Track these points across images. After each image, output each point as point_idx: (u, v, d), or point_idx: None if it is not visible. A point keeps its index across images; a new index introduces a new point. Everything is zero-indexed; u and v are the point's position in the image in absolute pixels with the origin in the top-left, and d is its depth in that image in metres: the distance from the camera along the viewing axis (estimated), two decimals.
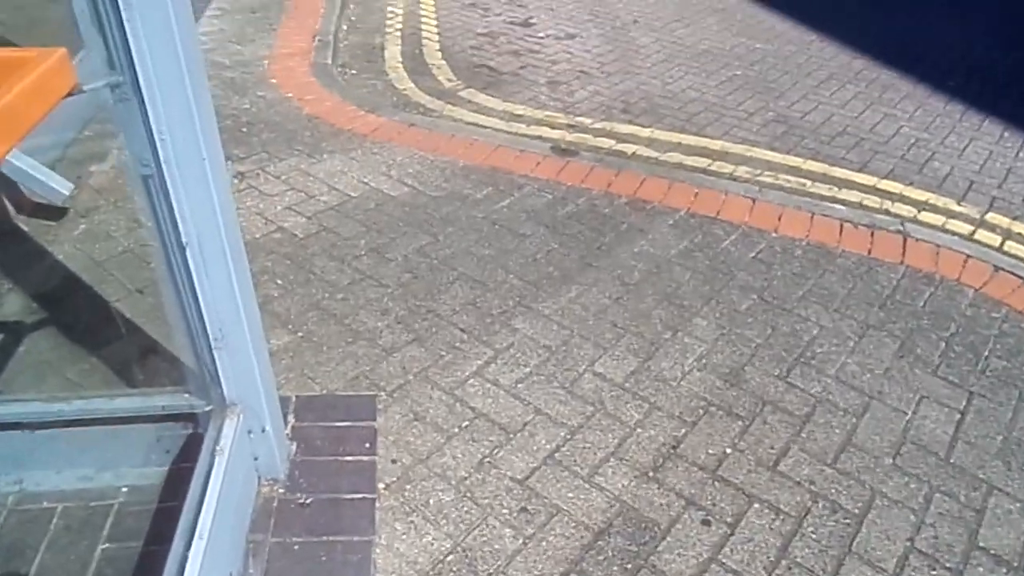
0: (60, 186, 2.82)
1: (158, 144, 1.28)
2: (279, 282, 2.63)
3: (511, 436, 2.09)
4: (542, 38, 5.16)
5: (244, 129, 3.63)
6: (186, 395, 1.73)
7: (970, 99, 4.72)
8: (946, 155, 4.05)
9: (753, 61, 5.02)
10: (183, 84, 1.24)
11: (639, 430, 2.14)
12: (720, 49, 5.18)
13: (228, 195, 1.44)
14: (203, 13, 4.99)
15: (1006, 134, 4.35)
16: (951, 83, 4.93)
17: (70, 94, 1.25)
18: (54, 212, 2.86)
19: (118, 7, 1.15)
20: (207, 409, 1.70)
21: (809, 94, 4.62)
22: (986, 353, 2.53)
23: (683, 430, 2.15)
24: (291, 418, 2.07)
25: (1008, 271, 2.96)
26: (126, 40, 1.18)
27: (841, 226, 3.14)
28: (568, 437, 2.10)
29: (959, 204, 3.61)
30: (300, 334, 2.40)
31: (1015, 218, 3.55)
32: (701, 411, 2.22)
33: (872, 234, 3.10)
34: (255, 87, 4.07)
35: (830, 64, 5.08)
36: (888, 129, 4.27)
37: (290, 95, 3.99)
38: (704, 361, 2.40)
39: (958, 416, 2.27)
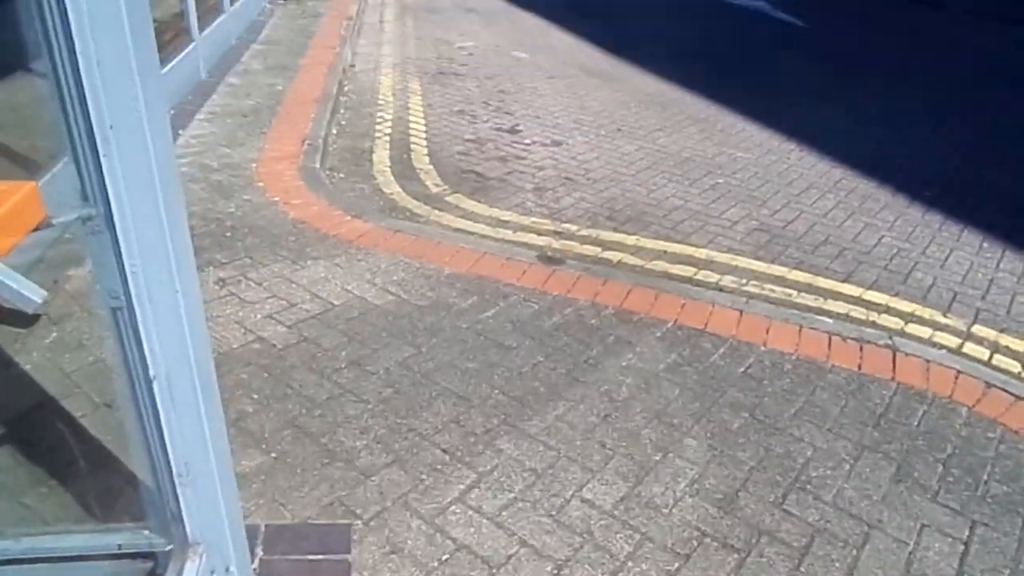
0: (32, 293, 2.75)
1: (129, 277, 1.23)
2: (254, 397, 2.53)
3: (494, 571, 1.96)
4: (528, 145, 5.27)
5: (228, 233, 3.61)
6: (145, 532, 1.61)
7: (948, 209, 4.82)
8: (928, 265, 4.09)
9: (735, 170, 5.13)
10: (159, 217, 1.20)
11: (630, 563, 2.02)
12: (702, 157, 5.30)
13: (201, 328, 1.38)
14: (194, 117, 5.07)
15: (985, 244, 4.41)
16: (928, 193, 5.05)
17: (39, 228, 1.21)
18: (25, 319, 2.78)
19: (95, 141, 1.12)
20: (167, 548, 1.58)
21: (791, 203, 4.70)
22: (985, 477, 2.46)
23: (677, 564, 2.04)
24: (259, 550, 1.94)
25: (1000, 387, 2.92)
26: (101, 173, 1.14)
27: (830, 339, 3.11)
28: (555, 572, 1.98)
29: (945, 316, 3.62)
30: (274, 455, 2.29)
31: (1001, 331, 3.55)
32: (695, 542, 2.11)
33: (861, 348, 3.07)
34: (242, 190, 4.08)
35: (810, 173, 5.20)
36: (870, 239, 4.33)
37: (277, 199, 4.00)
38: (696, 486, 2.31)
39: (962, 547, 2.18)
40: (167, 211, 1.21)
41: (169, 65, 5.18)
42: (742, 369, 2.88)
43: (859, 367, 2.96)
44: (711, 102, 6.58)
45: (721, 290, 3.59)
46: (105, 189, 1.15)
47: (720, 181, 4.92)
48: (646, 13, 11.26)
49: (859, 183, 5.11)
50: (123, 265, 1.22)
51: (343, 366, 2.71)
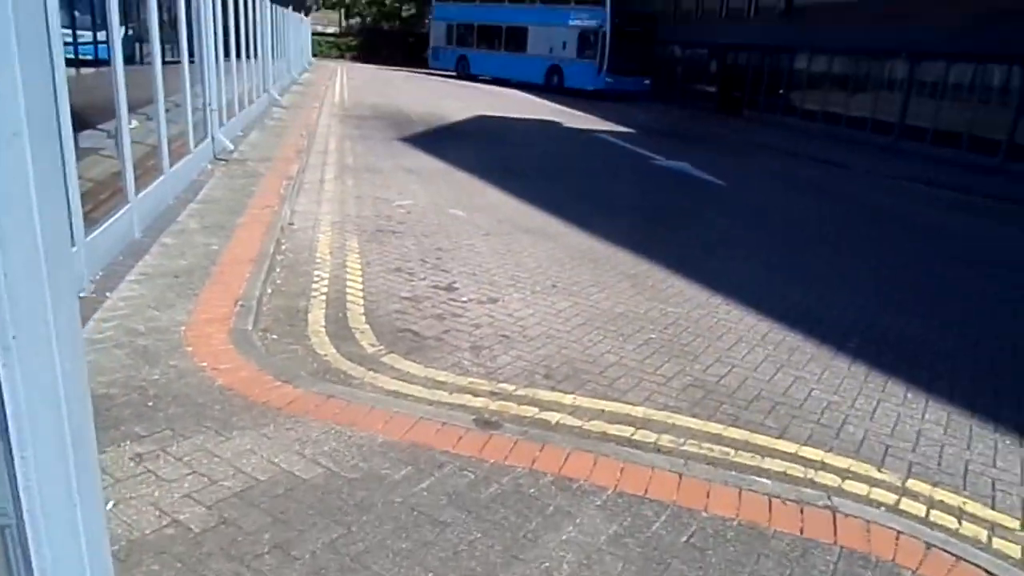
0: None
1: (21, 493, 1.13)
2: None
3: None
4: (465, 302, 5.34)
5: (150, 403, 3.44)
6: None
7: (870, 360, 5.01)
8: (858, 418, 4.18)
9: (666, 324, 5.27)
10: (62, 433, 1.12)
11: None
12: (635, 313, 5.44)
13: (102, 542, 1.27)
14: (124, 278, 4.99)
15: (909, 395, 4.56)
16: (851, 344, 5.26)
17: None
18: None
19: None
20: None
21: (722, 357, 4.81)
22: None
23: None
24: None
25: (940, 548, 2.91)
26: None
27: (770, 502, 3.08)
28: None
29: (880, 471, 3.65)
30: None
31: (935, 484, 3.59)
32: None
33: (802, 510, 3.05)
34: (168, 356, 3.95)
35: (738, 327, 5.37)
36: (800, 392, 4.43)
37: (204, 364, 3.88)
38: None
39: None
40: (71, 426, 1.14)
41: (101, 227, 5.14)
42: (684, 538, 2.80)
43: (801, 531, 2.92)
44: (641, 258, 6.86)
45: (660, 451, 3.56)
46: (3, 402, 1.08)
47: (653, 336, 5.03)
48: (578, 173, 11.93)
49: (785, 336, 5.30)
50: (15, 480, 1.13)
51: (265, 551, 2.53)
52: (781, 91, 24.44)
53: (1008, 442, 4.08)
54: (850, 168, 15.44)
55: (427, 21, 50.42)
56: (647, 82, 28.75)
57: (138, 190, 6.00)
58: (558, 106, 23.65)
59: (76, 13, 6.41)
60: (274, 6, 18.08)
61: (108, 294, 4.70)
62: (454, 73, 34.57)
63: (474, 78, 32.92)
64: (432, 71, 36.88)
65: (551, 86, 29.22)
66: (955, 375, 4.94)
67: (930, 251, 8.46)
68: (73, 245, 4.61)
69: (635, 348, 4.81)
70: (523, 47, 30.78)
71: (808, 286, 6.54)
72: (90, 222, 5.03)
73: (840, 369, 4.83)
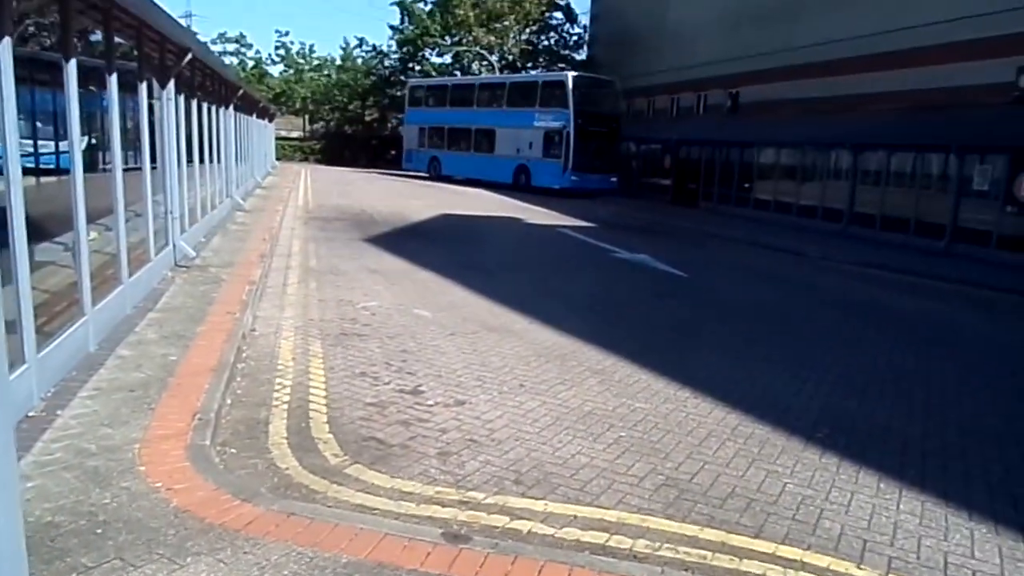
0: None
1: None
2: None
3: None
4: (431, 406, 5.24)
5: (99, 530, 3.26)
6: None
7: (841, 450, 5.00)
8: (834, 512, 4.12)
9: (636, 421, 5.22)
10: None
11: None
12: (603, 410, 5.40)
13: None
14: (76, 394, 4.82)
15: (882, 485, 4.53)
16: (820, 435, 5.25)
17: None
18: None
19: None
20: None
21: (693, 453, 4.76)
22: None
23: None
24: None
25: None
26: None
27: None
28: None
29: (859, 567, 3.58)
30: None
31: None
32: None
33: None
34: (120, 477, 3.77)
35: (707, 421, 5.35)
36: (774, 487, 4.37)
37: (158, 484, 3.71)
38: None
39: None
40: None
41: (54, 342, 5.01)
42: None
43: None
44: (607, 352, 6.86)
45: (636, 557, 3.45)
46: None
47: (623, 434, 4.97)
48: (541, 268, 12.07)
49: (754, 428, 5.28)
50: None
51: None
52: (733, 183, 25.37)
53: (984, 531, 4.05)
54: (805, 255, 15.89)
55: (390, 124, 52.04)
56: (614, 179, 29.26)
57: (95, 301, 5.89)
58: (521, 203, 24.18)
59: (38, 123, 6.47)
60: (237, 113, 18.46)
61: (59, 412, 4.52)
62: (427, 175, 35.08)
63: (447, 179, 33.39)
64: (398, 172, 37.76)
65: (519, 185, 29.63)
66: (925, 462, 4.94)
67: (888, 334, 8.63)
68: (24, 363, 4.47)
69: (605, 448, 4.74)
70: (492, 148, 31.34)
71: (775, 375, 6.58)
72: (43, 336, 4.90)
73: (812, 461, 4.80)
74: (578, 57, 44.26)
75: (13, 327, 4.38)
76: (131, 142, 8.26)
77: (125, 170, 7.10)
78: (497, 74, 40.46)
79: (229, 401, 5.10)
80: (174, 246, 9.27)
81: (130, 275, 6.98)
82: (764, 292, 11.06)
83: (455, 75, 43.81)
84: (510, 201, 24.69)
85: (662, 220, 21.50)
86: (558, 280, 10.98)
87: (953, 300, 11.60)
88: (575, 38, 46.63)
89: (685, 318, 8.77)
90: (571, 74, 29.76)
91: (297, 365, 6.01)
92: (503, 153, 30.64)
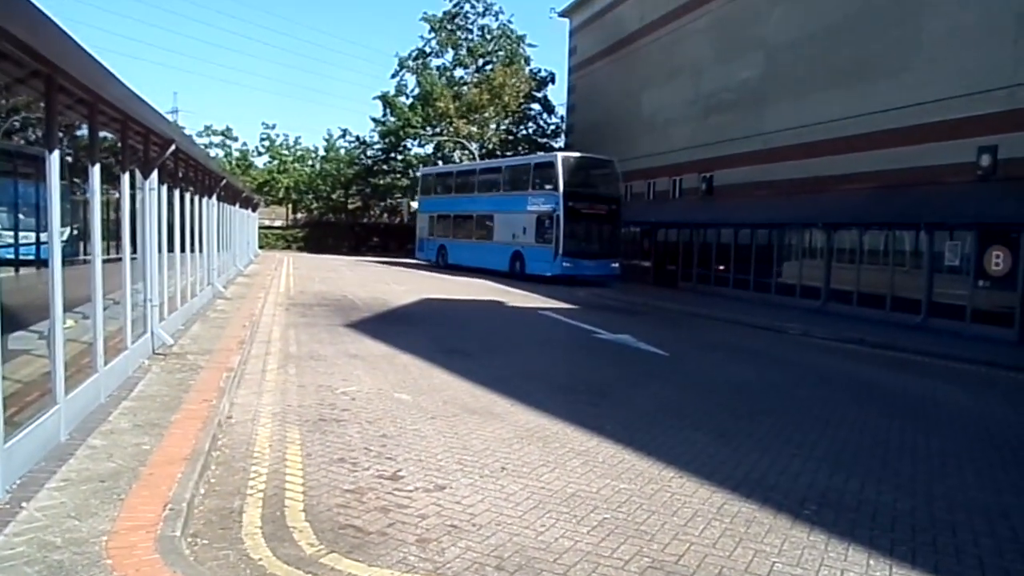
0: None
1: None
2: None
3: None
4: (411, 491, 5.14)
5: None
6: None
7: (829, 527, 4.93)
8: None
9: (620, 503, 5.14)
10: None
11: None
12: (587, 492, 5.31)
13: None
14: (44, 486, 4.68)
15: (871, 562, 4.46)
16: (807, 512, 5.18)
17: None
18: None
19: None
20: None
21: (679, 534, 4.66)
22: None
23: None
24: None
25: None
26: None
27: None
28: None
29: None
30: None
31: None
32: None
33: None
34: (85, 570, 3.63)
35: (692, 500, 5.27)
36: (762, 567, 4.28)
37: None
38: None
39: None
40: None
41: (23, 432, 4.90)
42: None
43: None
44: (590, 433, 6.80)
45: None
46: None
47: (607, 516, 4.88)
48: (523, 350, 12.06)
49: (740, 507, 5.20)
50: None
51: None
52: (712, 263, 25.80)
53: None
54: (785, 332, 16.03)
55: (372, 212, 52.80)
56: (615, 265, 27.38)
57: (68, 390, 5.80)
58: (505, 287, 24.33)
59: (21, 215, 6.53)
60: (220, 203, 18.69)
61: (24, 504, 4.38)
62: (434, 263, 34.20)
63: (453, 268, 32.19)
64: (383, 259, 37.93)
65: (514, 273, 28.31)
66: (915, 537, 4.87)
67: (871, 409, 8.63)
68: None
69: (589, 530, 4.64)
70: (491, 235, 30.36)
71: (760, 453, 6.53)
72: (12, 426, 4.79)
73: (799, 539, 4.72)
74: (556, 145, 45.56)
75: None
76: (113, 232, 8.32)
77: (105, 261, 7.13)
78: (498, 158, 40.31)
79: (202, 490, 4.97)
80: (152, 334, 9.21)
81: (105, 363, 6.90)
82: (746, 370, 11.09)
83: (436, 164, 44.75)
84: (494, 285, 24.83)
85: (643, 301, 21.70)
86: (540, 362, 10.96)
87: (932, 374, 11.68)
88: (552, 127, 48.13)
89: (668, 397, 8.75)
90: (560, 154, 28.54)
91: (274, 452, 5.89)
92: (500, 239, 29.64)
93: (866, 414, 8.39)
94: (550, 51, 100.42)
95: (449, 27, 47.39)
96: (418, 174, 39.41)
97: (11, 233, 6.55)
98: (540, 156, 33.87)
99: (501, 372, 9.63)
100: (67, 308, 5.91)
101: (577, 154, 28.77)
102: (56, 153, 5.58)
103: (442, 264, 33.59)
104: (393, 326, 13.73)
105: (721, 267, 25.25)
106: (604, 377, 9.87)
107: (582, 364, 11.07)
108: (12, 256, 6.54)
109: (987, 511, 5.43)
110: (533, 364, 10.64)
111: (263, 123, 48.56)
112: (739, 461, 6.26)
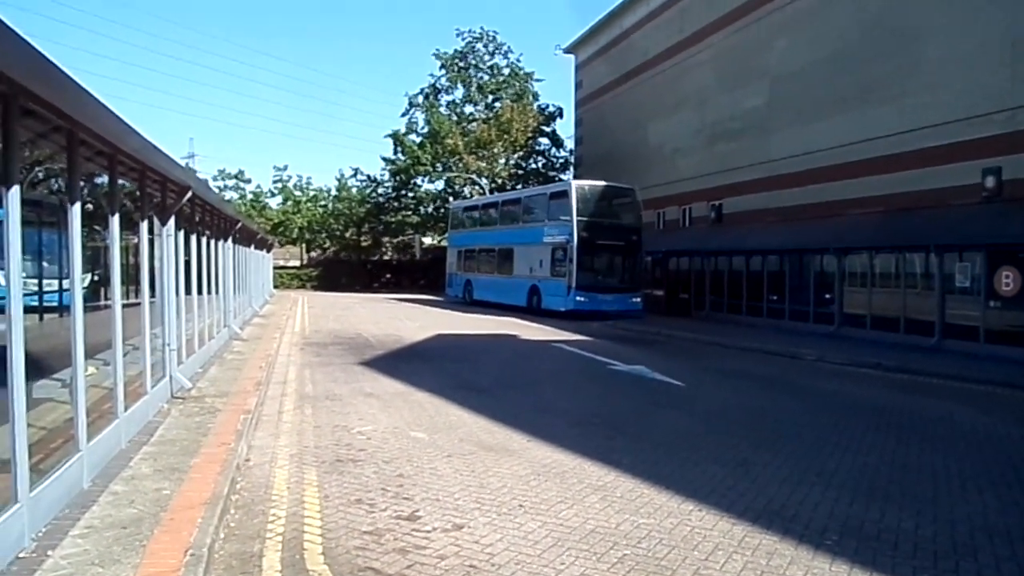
0: None
1: None
2: None
3: None
4: (429, 532, 5.12)
5: None
6: None
7: (851, 557, 4.86)
8: None
9: (640, 538, 5.09)
10: None
11: None
12: (606, 528, 5.27)
13: None
14: (68, 533, 4.71)
15: None
16: (828, 541, 5.12)
17: None
18: None
19: None
20: None
21: (700, 569, 4.62)
22: None
23: None
24: None
25: None
26: None
27: None
28: None
29: None
30: None
31: None
32: None
33: None
34: None
35: (712, 534, 5.22)
36: None
37: None
38: None
39: None
40: None
41: (48, 479, 4.94)
42: None
43: None
44: (608, 468, 6.76)
45: None
46: None
47: (627, 552, 4.84)
48: (537, 383, 12.04)
49: (761, 538, 5.15)
50: None
51: None
52: (724, 291, 25.72)
53: None
54: (800, 359, 15.92)
55: (383, 249, 53.11)
56: (636, 300, 25.93)
57: (90, 437, 5.86)
58: (519, 321, 24.29)
59: (45, 263, 6.65)
60: (236, 245, 18.91)
61: (50, 552, 4.41)
62: (461, 299, 33.53)
63: (478, 304, 31.27)
64: (396, 295, 37.94)
65: (532, 308, 27.14)
66: (937, 563, 4.79)
67: (890, 434, 8.53)
68: (16, 502, 4.40)
69: (609, 567, 4.60)
70: (511, 269, 29.36)
71: (779, 482, 6.47)
72: (38, 473, 4.85)
73: (821, 569, 4.66)
74: (565, 177, 45.83)
75: (7, 466, 4.36)
76: (132, 276, 8.45)
77: (125, 305, 7.23)
78: (518, 190, 39.50)
79: (222, 535, 4.98)
80: (171, 378, 9.28)
81: (126, 409, 6.95)
82: (762, 398, 11.01)
83: (448, 200, 45.02)
84: (510, 320, 24.69)
85: (656, 330, 21.63)
86: (555, 395, 10.94)
87: (949, 396, 11.54)
88: (561, 160, 48.47)
89: (685, 428, 8.69)
90: (575, 182, 27.77)
91: (292, 494, 5.90)
92: (519, 273, 28.56)
93: (884, 439, 8.29)
94: (556, 84, 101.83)
95: (460, 64, 48.07)
96: (450, 207, 38.97)
97: (36, 280, 6.66)
98: (555, 185, 33.28)
99: (516, 407, 9.61)
100: (88, 354, 6.00)
101: (593, 182, 27.43)
102: (78, 205, 5.70)
103: (468, 300, 32.77)
104: (408, 363, 13.75)
105: (736, 293, 25.15)
106: (620, 409, 9.83)
107: (597, 396, 11.02)
108: (36, 303, 6.65)
109: (1008, 534, 5.34)
110: (548, 398, 10.61)
111: (274, 166, 49.11)
112: (758, 491, 6.20)
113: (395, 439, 7.76)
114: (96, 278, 7.28)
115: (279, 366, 12.92)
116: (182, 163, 10.54)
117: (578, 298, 24.71)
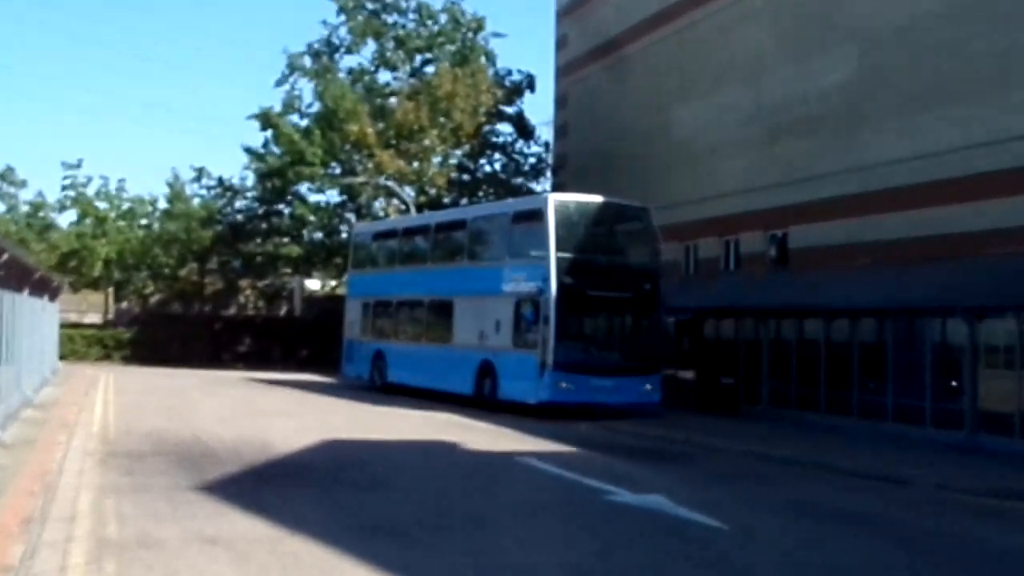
0: None
1: None
2: None
3: None
4: None
5: None
6: None
7: None
8: None
9: None
10: None
11: None
12: None
13: None
14: None
15: None
16: None
17: None
18: None
19: None
20: None
21: None
22: None
23: None
24: None
25: None
26: None
27: None
28: None
29: None
30: None
31: None
32: None
33: None
34: None
35: None
36: None
37: None
38: None
39: None
40: None
41: None
42: None
43: None
44: None
45: None
46: None
47: None
48: (491, 527, 11.87)
49: None
50: None
51: None
52: (792, 372, 25.76)
53: None
54: (910, 485, 16.02)
55: (243, 298, 52.76)
56: (650, 386, 25.46)
57: None
58: (464, 419, 24.03)
59: None
60: None
61: None
62: (368, 382, 33.26)
63: (395, 390, 31.06)
64: (265, 374, 37.49)
65: (482, 396, 26.56)
66: None
67: None
68: None
69: None
70: (449, 334, 29.05)
71: None
72: None
73: None
74: (537, 187, 46.18)
75: None
76: None
77: None
78: (462, 207, 40.03)
79: None
80: None
81: None
82: (848, 551, 11.01)
83: (350, 221, 45.01)
84: (447, 417, 24.62)
85: (683, 437, 21.65)
86: (519, 548, 10.76)
87: None
88: (532, 160, 48.81)
89: None
90: (554, 196, 27.50)
91: None
92: (463, 342, 27.98)
93: None
94: (524, 40, 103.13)
95: (369, 6, 48.44)
96: (351, 232, 39.16)
97: None
98: (523, 200, 33.45)
99: (458, 569, 9.43)
100: None
101: (583, 197, 27.31)
102: None
103: (379, 384, 32.27)
104: (279, 488, 13.53)
105: (807, 377, 25.24)
106: (634, 571, 9.72)
107: (590, 551, 10.84)
108: None
109: None
110: (509, 553, 10.43)
111: (63, 163, 47.80)
112: None
113: None
114: None
115: (64, 491, 12.58)
116: None
117: (561, 383, 23.99)
